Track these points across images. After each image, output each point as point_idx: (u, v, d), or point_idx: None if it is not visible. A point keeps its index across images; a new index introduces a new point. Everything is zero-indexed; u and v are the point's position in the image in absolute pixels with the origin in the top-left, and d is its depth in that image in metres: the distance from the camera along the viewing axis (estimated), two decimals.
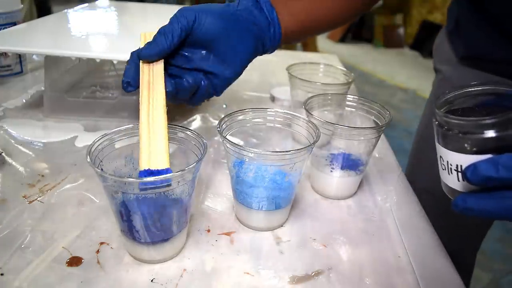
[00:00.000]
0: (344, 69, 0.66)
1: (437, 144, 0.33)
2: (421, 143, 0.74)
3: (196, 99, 0.46)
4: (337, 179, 0.49)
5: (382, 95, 3.14)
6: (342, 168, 0.48)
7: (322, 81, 0.60)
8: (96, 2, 0.93)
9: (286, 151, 0.38)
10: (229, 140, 0.40)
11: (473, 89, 0.33)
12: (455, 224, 0.65)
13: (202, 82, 0.45)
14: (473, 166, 0.27)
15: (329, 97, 0.53)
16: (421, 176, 0.70)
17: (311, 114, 0.46)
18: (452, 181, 0.32)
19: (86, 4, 0.88)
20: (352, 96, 0.52)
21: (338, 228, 0.45)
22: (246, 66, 0.47)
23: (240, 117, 0.45)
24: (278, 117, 0.46)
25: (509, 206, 0.27)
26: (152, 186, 0.33)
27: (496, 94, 0.32)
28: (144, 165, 0.34)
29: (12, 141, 0.57)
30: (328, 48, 4.24)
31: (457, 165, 0.30)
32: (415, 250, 0.43)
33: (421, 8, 4.31)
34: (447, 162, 0.31)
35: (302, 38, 0.54)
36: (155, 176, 0.33)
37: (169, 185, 0.33)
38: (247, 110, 0.46)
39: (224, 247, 0.41)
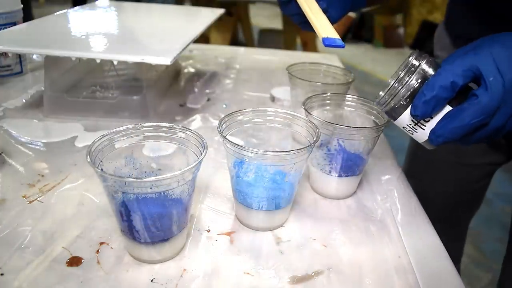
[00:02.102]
0: (344, 69, 0.66)
1: (396, 123, 0.40)
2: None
3: None
4: (336, 179, 0.49)
5: None
6: (342, 168, 0.48)
7: (322, 81, 0.60)
8: (96, 2, 0.93)
9: (286, 151, 0.38)
10: (229, 140, 0.40)
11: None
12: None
13: None
14: (413, 107, 0.37)
15: (329, 97, 0.53)
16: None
17: (311, 114, 0.46)
18: (422, 134, 0.39)
19: (86, 4, 0.88)
20: (352, 96, 0.52)
21: (338, 228, 0.45)
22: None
23: (240, 117, 0.45)
24: (278, 117, 0.46)
25: (464, 111, 0.35)
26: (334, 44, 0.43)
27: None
28: (323, 34, 0.44)
29: (12, 141, 0.57)
30: (328, 48, 4.24)
31: (412, 120, 0.38)
32: (415, 250, 0.43)
33: (421, 8, 4.30)
34: (408, 125, 0.39)
35: None
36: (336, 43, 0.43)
37: None
38: (247, 110, 0.46)
39: (224, 247, 0.41)
